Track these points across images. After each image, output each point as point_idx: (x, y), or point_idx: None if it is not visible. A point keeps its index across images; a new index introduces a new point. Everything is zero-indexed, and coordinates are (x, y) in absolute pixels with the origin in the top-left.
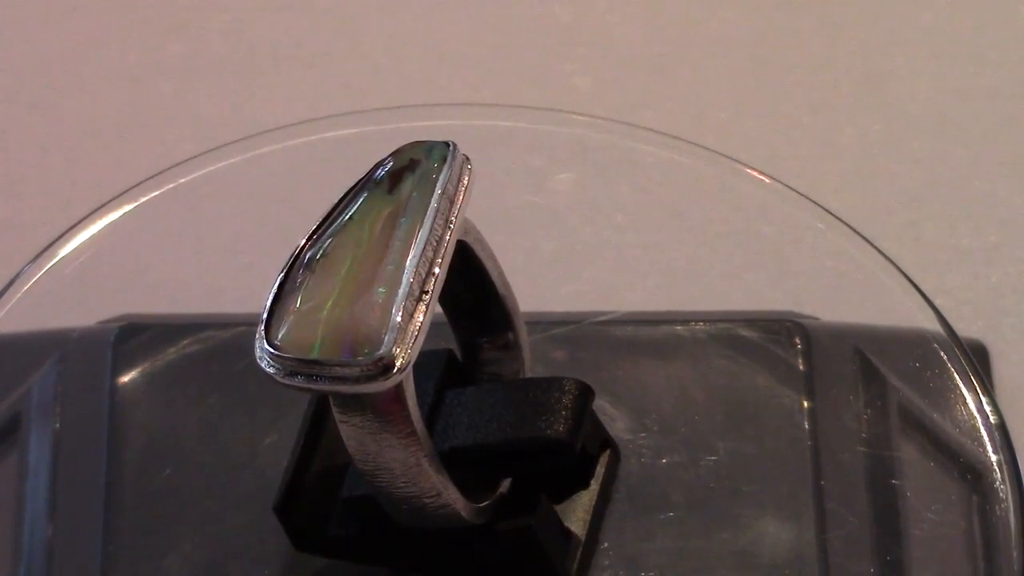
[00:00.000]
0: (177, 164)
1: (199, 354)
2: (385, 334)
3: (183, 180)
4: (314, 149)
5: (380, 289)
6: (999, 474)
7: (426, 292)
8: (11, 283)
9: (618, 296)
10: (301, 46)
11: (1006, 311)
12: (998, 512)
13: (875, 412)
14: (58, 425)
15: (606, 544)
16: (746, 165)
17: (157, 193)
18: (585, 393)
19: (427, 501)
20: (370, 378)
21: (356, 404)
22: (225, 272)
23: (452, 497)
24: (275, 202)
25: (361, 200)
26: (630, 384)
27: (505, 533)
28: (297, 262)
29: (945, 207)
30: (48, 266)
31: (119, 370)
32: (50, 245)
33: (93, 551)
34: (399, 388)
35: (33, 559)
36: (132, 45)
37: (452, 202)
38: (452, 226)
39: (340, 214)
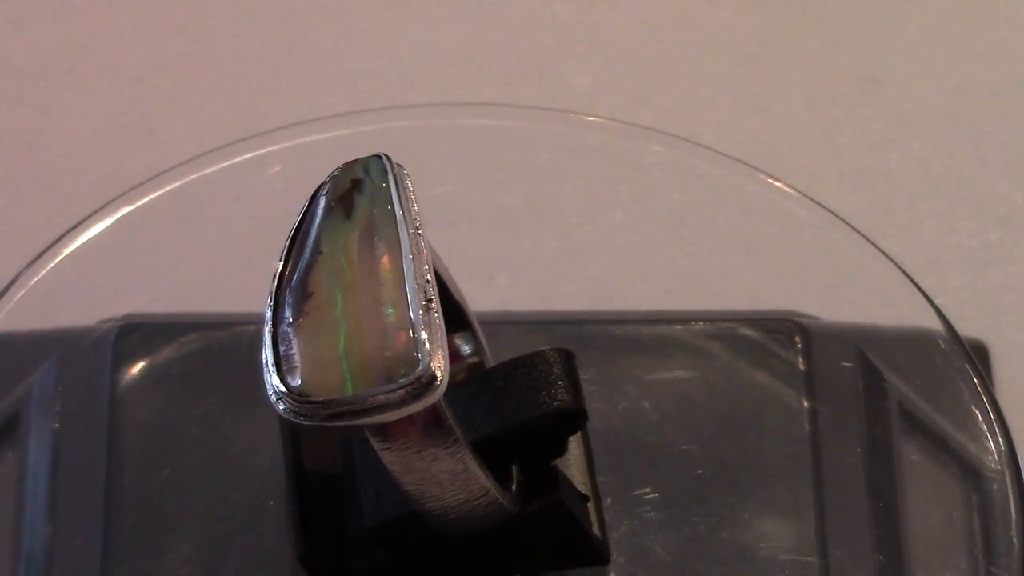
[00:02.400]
0: (177, 165)
1: (199, 353)
2: (417, 351)
3: (183, 181)
4: (314, 149)
5: (388, 310)
6: (999, 474)
7: (430, 300)
8: (12, 283)
9: (618, 296)
10: (301, 46)
11: (1007, 310)
12: (998, 512)
13: (875, 412)
14: (58, 425)
15: (609, 500)
16: (746, 164)
17: (157, 194)
18: (570, 357)
19: (476, 503)
20: (416, 396)
21: (398, 428)
22: (225, 272)
23: (498, 492)
24: (275, 202)
25: (321, 231)
26: (630, 384)
27: (536, 514)
28: (279, 308)
29: (945, 206)
30: (49, 266)
31: (119, 369)
32: (51, 245)
33: (93, 551)
34: (439, 400)
35: (33, 559)
36: (132, 45)
37: (410, 210)
38: (421, 232)
39: (303, 250)
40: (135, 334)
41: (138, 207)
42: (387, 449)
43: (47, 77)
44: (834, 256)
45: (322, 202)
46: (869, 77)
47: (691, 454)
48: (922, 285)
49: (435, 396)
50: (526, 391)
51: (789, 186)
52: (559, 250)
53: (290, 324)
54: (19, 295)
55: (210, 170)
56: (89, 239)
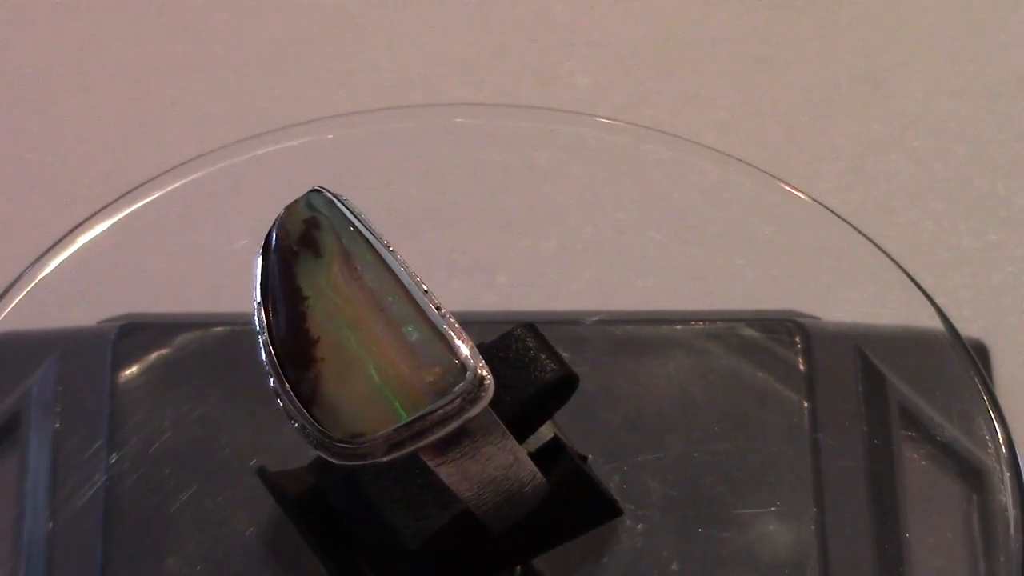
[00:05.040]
0: (177, 165)
1: (199, 353)
2: (457, 358)
3: (183, 181)
4: (314, 149)
5: (408, 329)
6: (999, 474)
7: (440, 308)
8: (13, 284)
9: (618, 296)
10: (301, 46)
11: (1007, 310)
12: (998, 512)
13: (875, 412)
14: (58, 425)
15: (591, 456)
16: (747, 164)
17: (158, 194)
18: (535, 328)
19: (526, 490)
20: (472, 402)
21: (454, 439)
22: (225, 272)
23: (540, 473)
24: (275, 203)
25: (296, 278)
26: (630, 384)
27: (561, 482)
28: (286, 364)
29: (945, 206)
30: (50, 267)
31: (119, 369)
32: (52, 246)
33: (93, 551)
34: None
35: (33, 558)
36: (132, 45)
37: (373, 231)
38: (391, 246)
39: (282, 302)
40: (135, 334)
41: (138, 208)
42: (443, 464)
43: (47, 77)
44: (834, 256)
45: (280, 251)
46: (870, 78)
47: (691, 454)
48: (922, 285)
49: (488, 397)
50: (513, 372)
51: (790, 186)
52: (559, 250)
53: (307, 374)
54: (20, 296)
55: (210, 170)
56: (89, 240)
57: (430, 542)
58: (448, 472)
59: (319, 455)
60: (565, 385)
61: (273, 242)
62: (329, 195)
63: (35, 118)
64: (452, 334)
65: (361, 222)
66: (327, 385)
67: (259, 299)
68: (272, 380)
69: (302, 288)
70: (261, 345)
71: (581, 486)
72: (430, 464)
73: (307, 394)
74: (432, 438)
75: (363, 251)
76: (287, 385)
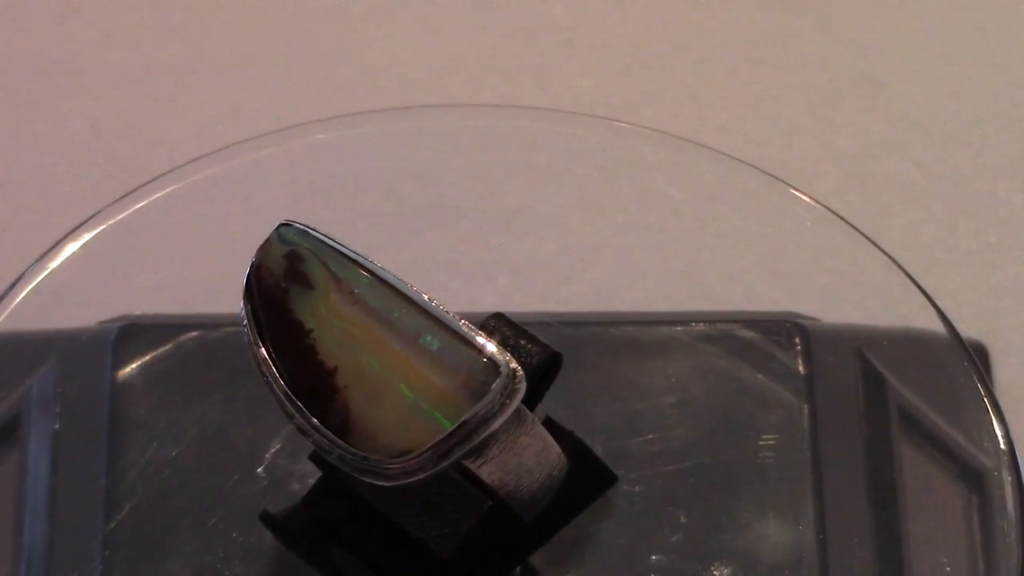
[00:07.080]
0: (177, 167)
1: (199, 354)
2: (485, 356)
3: (183, 183)
4: (313, 151)
5: (427, 338)
6: (999, 475)
7: (448, 311)
8: (13, 284)
9: (618, 296)
10: (300, 46)
11: (1006, 312)
12: (998, 512)
13: (875, 412)
14: (58, 425)
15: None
16: (747, 164)
17: (158, 195)
18: (503, 316)
19: (554, 474)
20: (512, 395)
21: (493, 437)
22: (225, 272)
23: (563, 454)
24: (274, 204)
25: (294, 313)
26: (630, 385)
27: (568, 457)
28: (308, 400)
29: (945, 207)
30: (50, 267)
31: (119, 370)
32: (52, 247)
33: (93, 552)
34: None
35: (33, 559)
36: (132, 45)
37: (353, 250)
38: (375, 261)
39: (285, 340)
40: (135, 334)
41: (138, 209)
42: (484, 463)
43: (47, 77)
44: (834, 257)
45: (267, 291)
46: (870, 79)
47: (691, 456)
48: (922, 286)
49: (524, 387)
50: None
51: (790, 186)
52: (559, 251)
53: (333, 405)
54: (20, 296)
55: (209, 172)
56: (89, 241)
57: (462, 546)
58: (489, 471)
59: (311, 487)
60: (551, 366)
61: (255, 284)
62: (300, 226)
63: (35, 119)
64: (472, 334)
65: (341, 245)
66: (357, 411)
67: (257, 343)
68: (296, 418)
69: (303, 322)
70: (273, 387)
71: (582, 458)
72: (471, 467)
73: (337, 424)
74: (478, 440)
75: (355, 273)
76: (314, 420)
